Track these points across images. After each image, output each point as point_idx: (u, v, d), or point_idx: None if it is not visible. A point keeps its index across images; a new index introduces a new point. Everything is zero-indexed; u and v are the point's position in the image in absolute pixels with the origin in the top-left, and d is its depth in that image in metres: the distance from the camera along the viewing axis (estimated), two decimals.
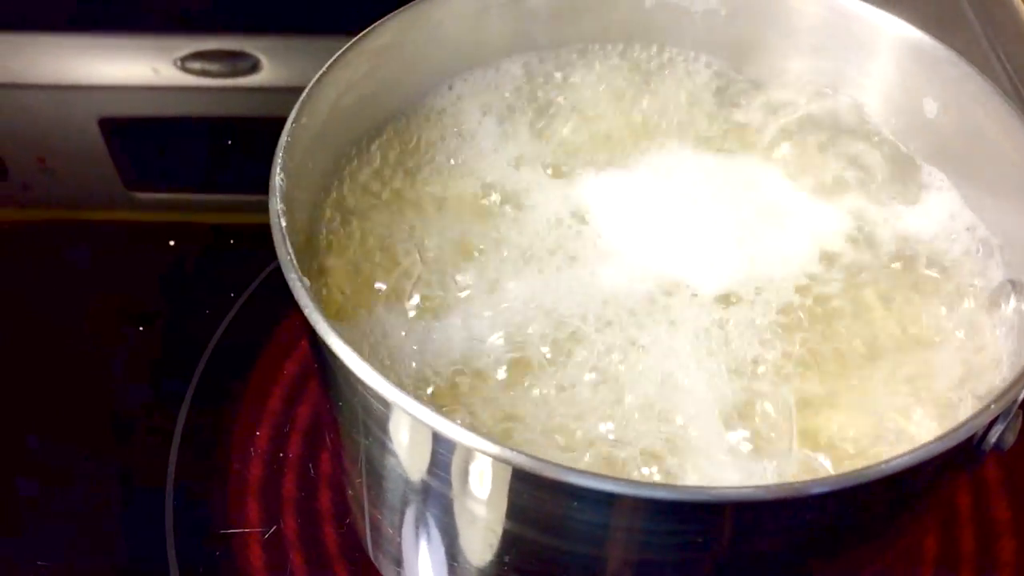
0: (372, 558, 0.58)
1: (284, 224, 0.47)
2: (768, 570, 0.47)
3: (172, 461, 0.63)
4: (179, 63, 0.93)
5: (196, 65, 0.94)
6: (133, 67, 0.95)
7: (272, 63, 0.94)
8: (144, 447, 0.65)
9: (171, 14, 0.98)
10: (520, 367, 0.50)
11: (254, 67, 0.94)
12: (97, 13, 0.98)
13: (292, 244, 0.46)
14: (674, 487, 0.43)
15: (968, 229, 0.55)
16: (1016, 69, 0.83)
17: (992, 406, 0.41)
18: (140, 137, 0.91)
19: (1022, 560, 0.61)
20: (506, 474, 0.42)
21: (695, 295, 0.52)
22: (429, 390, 0.50)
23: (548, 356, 0.50)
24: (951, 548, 0.61)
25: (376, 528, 0.54)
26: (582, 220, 0.56)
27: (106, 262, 0.79)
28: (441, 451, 0.44)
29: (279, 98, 0.92)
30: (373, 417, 0.46)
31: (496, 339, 0.51)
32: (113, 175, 0.86)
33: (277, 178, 0.48)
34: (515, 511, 0.44)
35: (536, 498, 0.43)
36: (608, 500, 0.41)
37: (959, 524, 0.62)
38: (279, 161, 0.49)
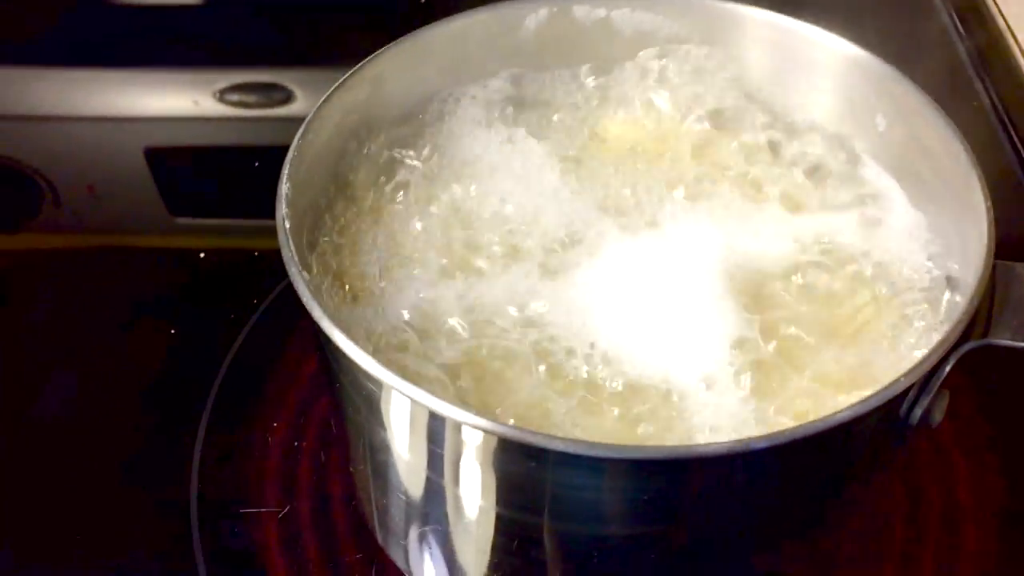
0: (378, 538, 0.63)
1: (288, 226, 0.53)
2: (722, 533, 0.52)
3: (198, 448, 0.69)
4: (218, 95, 0.98)
5: (234, 97, 0.99)
6: (176, 99, 1.00)
7: (305, 94, 0.98)
8: (175, 435, 0.71)
9: (210, 49, 1.03)
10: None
11: (288, 98, 0.99)
12: (142, 49, 1.03)
13: (295, 244, 0.52)
14: (630, 447, 0.48)
15: (914, 231, 0.60)
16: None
17: (901, 379, 0.45)
18: (184, 165, 0.96)
19: (982, 547, 0.65)
20: (493, 443, 0.47)
21: None
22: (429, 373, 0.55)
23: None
24: (917, 535, 0.65)
25: (379, 507, 0.59)
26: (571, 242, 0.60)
27: (150, 283, 0.83)
28: (432, 426, 0.48)
29: None
30: (368, 398, 0.51)
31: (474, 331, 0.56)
32: (158, 202, 0.91)
33: (284, 187, 0.55)
34: (506, 482, 0.49)
35: (526, 468, 0.47)
36: (584, 463, 0.46)
37: (925, 512, 0.67)
38: (286, 172, 0.56)
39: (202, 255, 0.83)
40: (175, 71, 1.02)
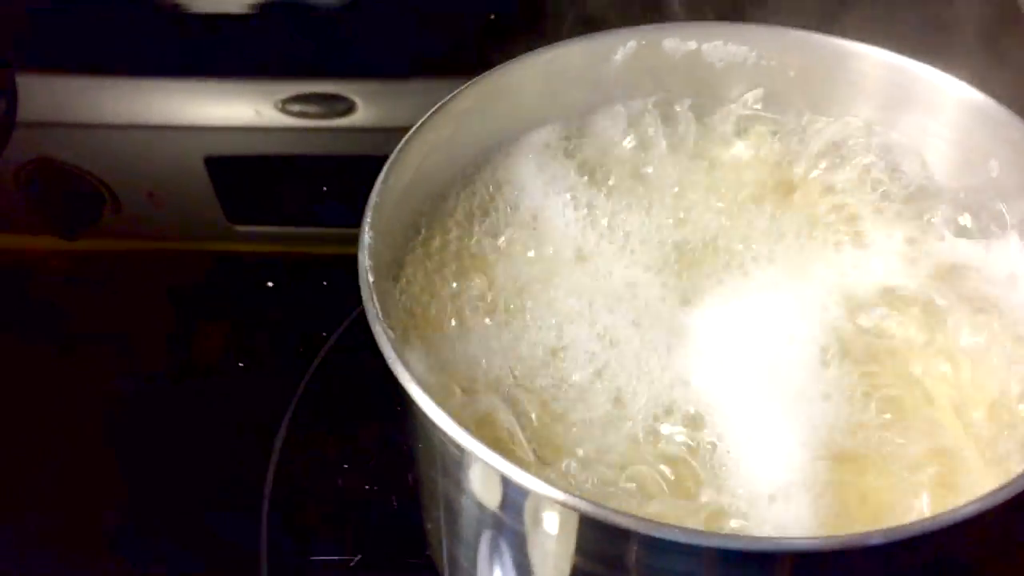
0: None
1: (371, 280, 0.50)
2: None
3: (267, 491, 0.67)
4: (280, 105, 0.98)
5: (295, 107, 0.98)
6: (237, 109, 1.00)
7: (366, 105, 0.98)
8: (240, 477, 0.69)
9: (272, 59, 1.03)
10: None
11: (349, 109, 0.98)
12: (204, 59, 1.03)
13: (379, 298, 0.50)
14: (735, 537, 0.46)
15: None
16: None
17: None
18: (242, 174, 0.95)
19: None
20: (573, 519, 0.45)
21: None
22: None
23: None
24: None
25: (453, 561, 0.58)
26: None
27: (209, 289, 0.83)
28: (512, 495, 0.47)
29: (372, 138, 0.96)
30: (449, 460, 0.49)
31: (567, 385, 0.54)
32: (217, 209, 0.91)
33: (366, 235, 0.52)
34: (582, 554, 0.47)
35: (601, 542, 0.46)
36: (673, 548, 0.43)
37: None
38: (368, 220, 0.53)
39: (270, 284, 0.82)
40: (237, 80, 1.02)
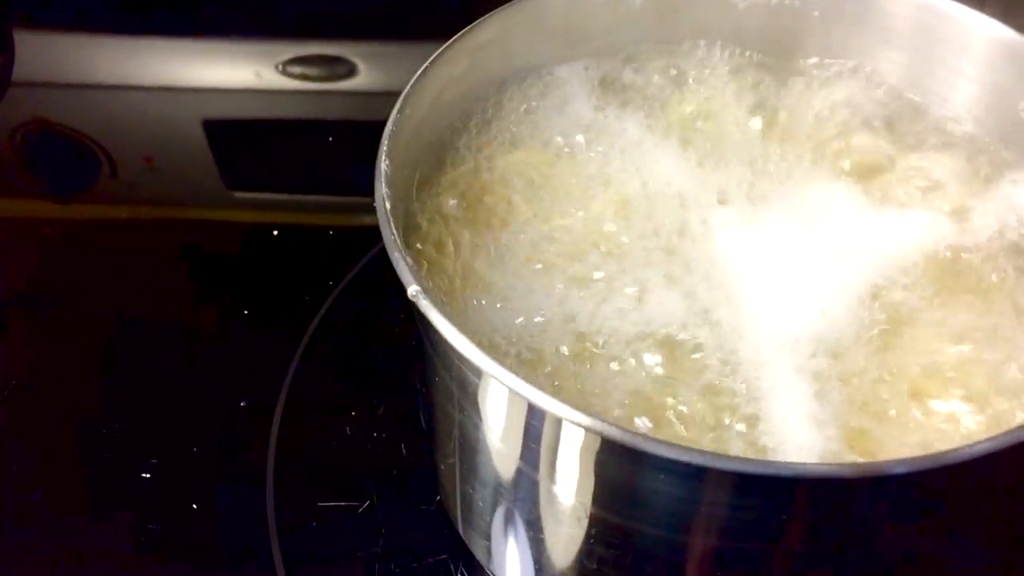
0: (461, 533, 0.60)
1: (388, 207, 0.49)
2: (855, 552, 0.48)
3: (273, 439, 0.66)
4: (280, 67, 0.96)
5: (296, 70, 0.97)
6: (236, 71, 0.99)
7: (368, 68, 0.96)
8: (247, 427, 0.68)
9: (273, 21, 1.02)
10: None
11: (351, 72, 0.97)
12: (203, 20, 1.02)
13: (395, 225, 0.49)
14: (749, 460, 0.45)
15: None
16: None
17: None
18: (242, 138, 0.94)
19: None
20: (594, 444, 0.44)
21: None
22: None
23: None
24: None
25: (466, 503, 0.56)
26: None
27: (206, 258, 0.82)
28: (534, 423, 0.46)
29: (374, 102, 0.95)
30: (468, 390, 0.48)
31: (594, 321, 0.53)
32: (215, 175, 0.89)
33: (382, 164, 0.51)
34: (608, 484, 0.46)
35: (621, 469, 0.45)
36: (696, 473, 0.42)
37: None
38: (384, 148, 0.52)
39: (275, 232, 0.80)
40: (237, 42, 1.01)
